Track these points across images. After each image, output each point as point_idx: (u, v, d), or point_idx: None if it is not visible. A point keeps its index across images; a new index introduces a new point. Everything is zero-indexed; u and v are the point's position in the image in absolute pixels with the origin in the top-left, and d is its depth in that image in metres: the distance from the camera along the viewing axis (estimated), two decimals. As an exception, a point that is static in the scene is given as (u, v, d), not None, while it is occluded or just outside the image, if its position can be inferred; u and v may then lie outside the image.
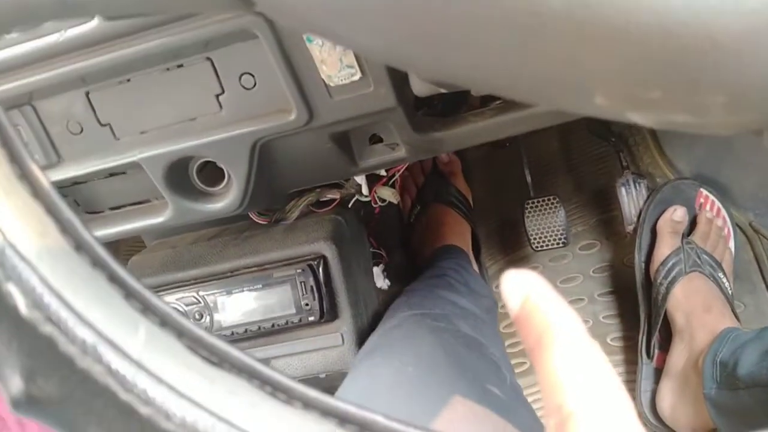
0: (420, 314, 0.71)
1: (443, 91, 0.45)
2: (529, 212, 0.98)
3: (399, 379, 0.58)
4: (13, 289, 0.16)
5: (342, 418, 0.18)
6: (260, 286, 0.67)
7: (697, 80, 0.18)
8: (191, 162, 0.57)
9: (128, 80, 0.52)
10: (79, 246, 0.19)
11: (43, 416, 0.17)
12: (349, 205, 0.76)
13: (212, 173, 0.59)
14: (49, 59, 0.49)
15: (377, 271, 0.85)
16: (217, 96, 0.52)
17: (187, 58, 0.51)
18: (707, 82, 0.18)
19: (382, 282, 0.87)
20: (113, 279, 0.19)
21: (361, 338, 0.70)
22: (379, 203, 0.77)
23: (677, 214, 0.93)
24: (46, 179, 0.20)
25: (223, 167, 0.57)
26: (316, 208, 0.74)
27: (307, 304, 0.66)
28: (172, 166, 0.55)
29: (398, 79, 0.50)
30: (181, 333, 0.19)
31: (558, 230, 0.97)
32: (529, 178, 1.03)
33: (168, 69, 0.52)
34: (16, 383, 0.16)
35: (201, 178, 0.58)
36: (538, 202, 0.98)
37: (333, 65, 0.48)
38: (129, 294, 0.19)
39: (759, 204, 0.98)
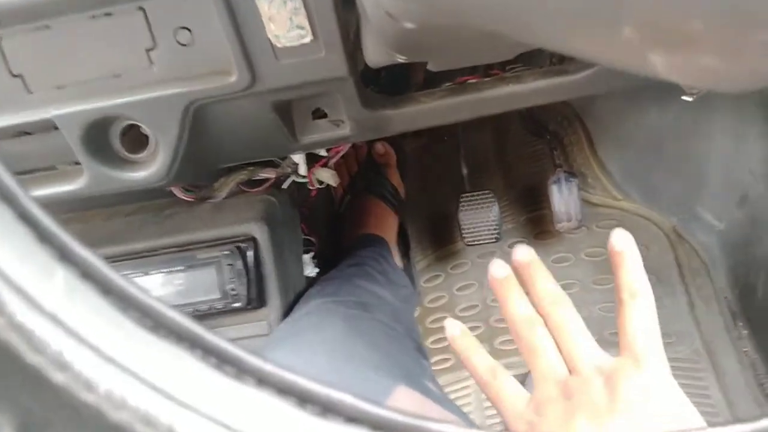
0: (333, 301, 0.67)
1: (400, 59, 0.42)
2: (464, 206, 0.97)
3: (310, 371, 0.54)
4: None
5: (302, 397, 0.15)
6: (182, 267, 0.62)
7: (752, 13, 0.15)
8: (113, 124, 0.51)
9: (47, 27, 0.46)
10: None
11: None
12: (284, 186, 0.71)
13: (136, 138, 0.53)
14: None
15: (307, 258, 0.81)
16: (148, 51, 0.47)
17: (117, 5, 0.45)
18: (762, 12, 0.15)
19: (311, 270, 0.82)
20: (24, 217, 0.15)
21: (290, 327, 0.66)
22: (317, 185, 0.73)
23: None
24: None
25: (148, 132, 0.51)
26: (248, 187, 0.69)
27: (233, 289, 0.61)
28: (91, 126, 0.49)
29: (351, 46, 0.46)
30: (107, 288, 0.15)
31: (491, 225, 0.96)
32: (465, 172, 1.02)
33: (94, 17, 0.46)
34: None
35: (123, 142, 0.52)
36: (473, 196, 0.97)
37: (282, 24, 0.44)
38: (44, 237, 0.15)
39: (683, 209, 1.01)
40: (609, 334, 0.99)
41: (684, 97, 0.55)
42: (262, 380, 0.14)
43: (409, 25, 0.24)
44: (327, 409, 0.15)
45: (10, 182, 0.15)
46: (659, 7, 0.16)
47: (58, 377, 0.12)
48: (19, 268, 0.13)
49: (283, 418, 0.14)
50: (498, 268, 0.49)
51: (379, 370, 0.56)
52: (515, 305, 0.47)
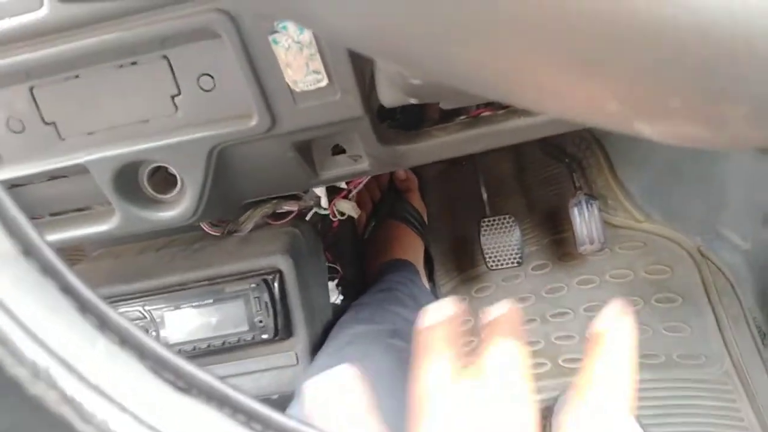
0: (372, 330, 0.68)
1: (412, 101, 0.44)
2: (485, 231, 0.98)
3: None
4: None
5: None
6: (211, 300, 0.64)
7: (723, 89, 0.17)
8: (142, 167, 0.53)
9: (76, 76, 0.49)
10: (28, 250, 0.16)
11: None
12: (307, 218, 0.73)
13: (163, 180, 0.55)
14: (-11, 50, 0.46)
15: (332, 285, 0.83)
16: (173, 97, 0.49)
17: (142, 55, 0.48)
18: (735, 91, 0.17)
19: (335, 297, 0.84)
20: (67, 290, 0.16)
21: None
22: (338, 216, 0.74)
23: None
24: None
25: (176, 174, 0.53)
26: (272, 219, 0.71)
27: (260, 321, 0.63)
28: (122, 170, 0.52)
29: (365, 87, 0.48)
30: (143, 353, 0.17)
31: (513, 249, 0.97)
32: (485, 197, 1.03)
33: (121, 66, 0.48)
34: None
35: (151, 184, 0.55)
36: (494, 220, 0.98)
37: (299, 70, 0.46)
38: (84, 307, 0.16)
39: (707, 229, 1.00)
40: (638, 357, 0.99)
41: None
42: None
43: (416, 82, 0.25)
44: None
45: (52, 257, 0.17)
46: (638, 86, 0.17)
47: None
48: (65, 342, 0.14)
49: None
50: (430, 314, 0.36)
51: None
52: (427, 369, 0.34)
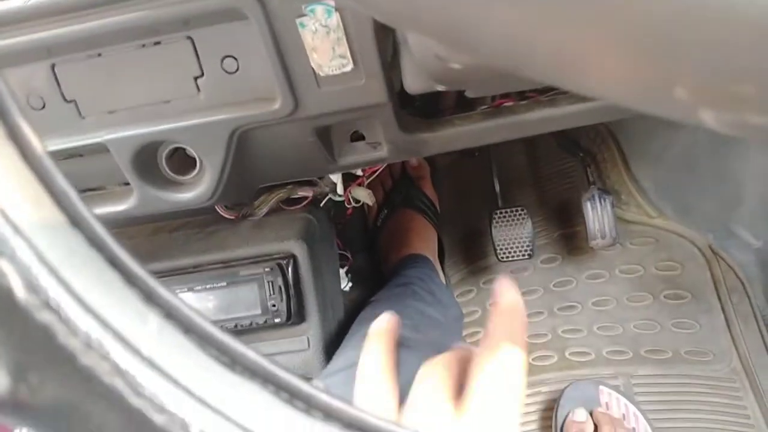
0: None
1: (439, 88, 0.43)
2: (497, 222, 0.97)
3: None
4: (6, 267, 0.13)
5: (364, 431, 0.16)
6: (225, 284, 0.64)
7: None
8: (161, 147, 0.53)
9: (99, 55, 0.49)
10: (76, 221, 0.16)
11: (31, 421, 0.14)
12: (321, 204, 0.73)
13: (181, 161, 0.55)
14: (12, 26, 0.45)
15: (341, 273, 0.83)
16: (196, 78, 0.49)
17: (166, 35, 0.47)
18: None
19: (345, 284, 0.84)
20: (113, 262, 0.16)
21: (327, 343, 0.68)
22: (353, 204, 0.74)
23: (577, 415, 0.93)
24: (39, 142, 0.17)
25: (195, 155, 0.53)
26: (286, 205, 0.71)
27: (273, 305, 0.63)
28: (141, 150, 0.52)
29: (390, 73, 0.48)
30: (188, 328, 0.16)
31: (524, 241, 0.97)
32: (498, 188, 1.02)
33: (143, 45, 0.48)
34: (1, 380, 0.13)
35: (169, 165, 0.55)
36: (506, 212, 0.97)
37: (325, 53, 0.45)
38: (131, 280, 0.16)
39: (718, 226, 1.00)
40: (645, 352, 0.99)
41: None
42: (329, 415, 0.15)
43: (456, 66, 0.25)
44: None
45: (99, 229, 0.17)
46: (711, 72, 0.16)
47: (158, 418, 0.14)
48: (117, 314, 0.14)
49: None
50: (378, 322, 0.43)
51: None
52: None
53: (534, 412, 0.99)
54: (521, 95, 0.59)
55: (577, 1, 0.15)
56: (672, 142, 0.98)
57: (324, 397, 0.16)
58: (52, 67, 0.49)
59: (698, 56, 0.15)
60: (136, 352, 0.14)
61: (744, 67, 0.16)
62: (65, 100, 0.51)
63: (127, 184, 0.55)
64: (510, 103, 0.56)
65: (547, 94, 0.59)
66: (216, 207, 0.69)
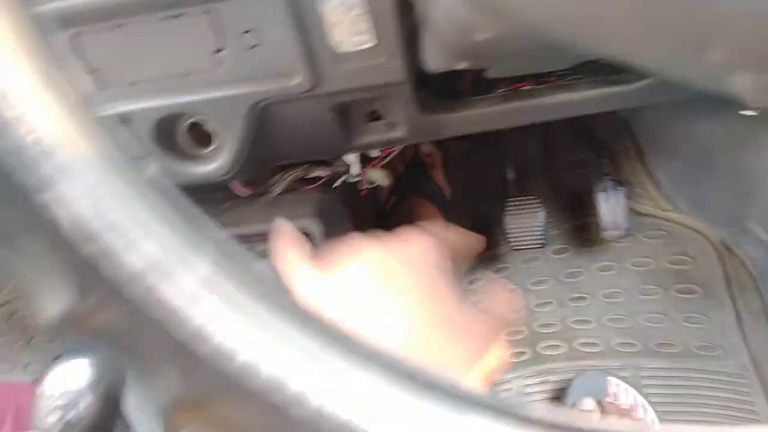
0: None
1: (461, 66, 0.43)
2: (510, 210, 0.97)
3: None
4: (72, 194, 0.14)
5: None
6: (238, 259, 0.64)
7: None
8: (180, 120, 0.54)
9: (121, 26, 0.49)
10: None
11: (86, 341, 0.15)
12: (335, 185, 0.73)
13: (198, 135, 0.56)
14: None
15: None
16: (216, 52, 0.49)
17: (187, 8, 0.48)
18: None
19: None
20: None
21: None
22: (368, 185, 0.74)
23: (585, 404, 0.93)
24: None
25: (213, 129, 0.54)
26: (301, 184, 0.71)
27: (286, 282, 0.63)
28: (161, 122, 0.52)
29: (411, 51, 0.48)
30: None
31: (537, 231, 0.97)
32: (511, 176, 1.02)
33: (165, 18, 0.48)
34: (60, 302, 0.14)
35: (189, 138, 0.55)
36: (520, 201, 0.97)
37: (345, 30, 0.46)
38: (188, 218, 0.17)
39: (732, 222, 0.99)
40: (654, 345, 0.99)
41: (745, 112, 0.54)
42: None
43: (481, 37, 0.25)
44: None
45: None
46: (751, 32, 0.16)
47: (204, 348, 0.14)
48: (176, 244, 0.14)
49: None
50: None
51: None
52: None
53: (541, 401, 1.00)
54: (538, 80, 0.59)
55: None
56: (688, 135, 0.98)
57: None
58: (76, 36, 0.49)
59: (741, 16, 0.15)
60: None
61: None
62: (90, 68, 0.51)
63: (141, 158, 0.56)
64: (528, 87, 0.56)
65: (566, 78, 0.59)
66: (231, 185, 0.69)
